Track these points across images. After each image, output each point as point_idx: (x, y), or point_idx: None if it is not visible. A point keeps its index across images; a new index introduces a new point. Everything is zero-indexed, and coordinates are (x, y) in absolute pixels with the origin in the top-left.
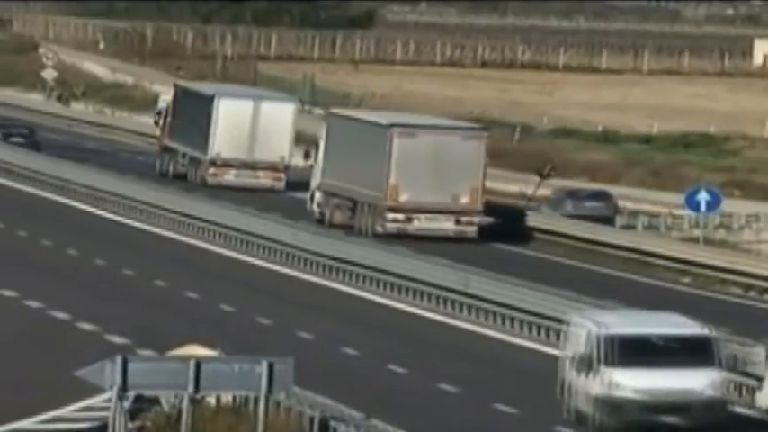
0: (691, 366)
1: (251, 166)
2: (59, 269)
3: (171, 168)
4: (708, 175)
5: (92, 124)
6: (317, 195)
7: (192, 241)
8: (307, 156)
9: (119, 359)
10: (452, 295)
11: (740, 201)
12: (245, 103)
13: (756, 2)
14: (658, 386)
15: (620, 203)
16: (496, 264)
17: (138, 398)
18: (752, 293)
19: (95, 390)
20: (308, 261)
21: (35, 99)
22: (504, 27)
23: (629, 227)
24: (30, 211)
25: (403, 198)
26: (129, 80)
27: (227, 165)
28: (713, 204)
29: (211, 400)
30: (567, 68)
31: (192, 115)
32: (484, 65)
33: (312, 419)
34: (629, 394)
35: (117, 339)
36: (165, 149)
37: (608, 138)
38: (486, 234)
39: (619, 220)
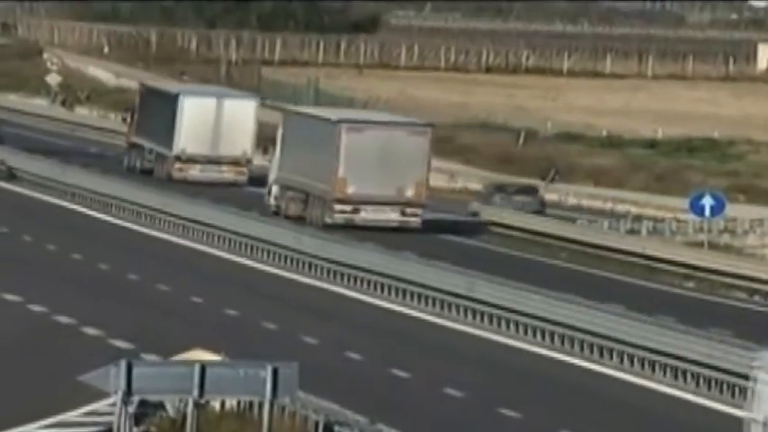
0: None
1: (215, 161)
2: (64, 274)
3: (138, 164)
4: (712, 180)
5: (93, 128)
6: (274, 189)
7: (197, 246)
8: (265, 152)
9: (123, 364)
10: (457, 300)
11: (744, 205)
12: (208, 101)
13: (761, 4)
14: None
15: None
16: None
17: (143, 402)
18: (756, 298)
19: (100, 394)
20: (312, 265)
21: (39, 104)
22: (509, 32)
23: (634, 231)
24: (34, 216)
25: (350, 190)
26: (134, 85)
27: (191, 160)
28: (718, 209)
29: (216, 405)
30: (572, 73)
31: (157, 113)
32: (488, 70)
33: (317, 424)
34: None
35: (121, 344)
36: (132, 146)
37: (612, 142)
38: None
39: (623, 224)
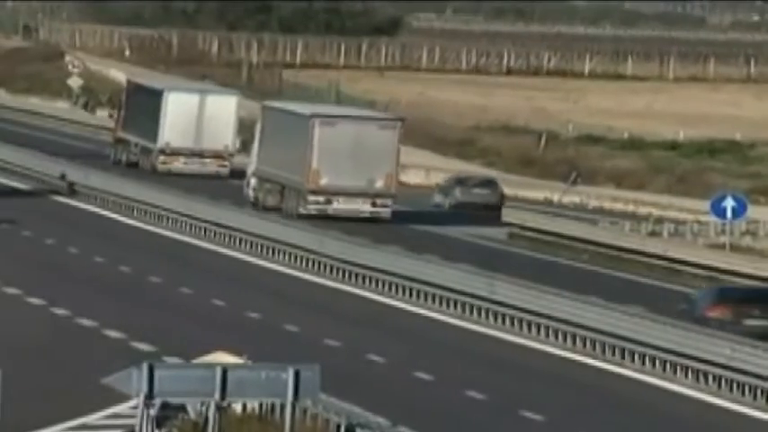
0: None
1: (198, 154)
2: (86, 277)
3: (124, 157)
4: (734, 182)
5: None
6: (253, 181)
7: (219, 248)
8: (244, 146)
9: (145, 367)
10: (478, 302)
11: (766, 207)
12: (191, 97)
13: None
14: None
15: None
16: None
17: (165, 405)
18: None
19: (122, 397)
20: (334, 268)
21: (61, 107)
22: (530, 34)
23: (656, 233)
24: (55, 218)
25: (323, 182)
26: None
27: (175, 153)
28: (739, 211)
29: (238, 408)
30: (593, 75)
31: (143, 108)
32: (509, 72)
33: (338, 426)
34: None
35: (143, 347)
36: (118, 140)
37: (634, 145)
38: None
39: (644, 227)
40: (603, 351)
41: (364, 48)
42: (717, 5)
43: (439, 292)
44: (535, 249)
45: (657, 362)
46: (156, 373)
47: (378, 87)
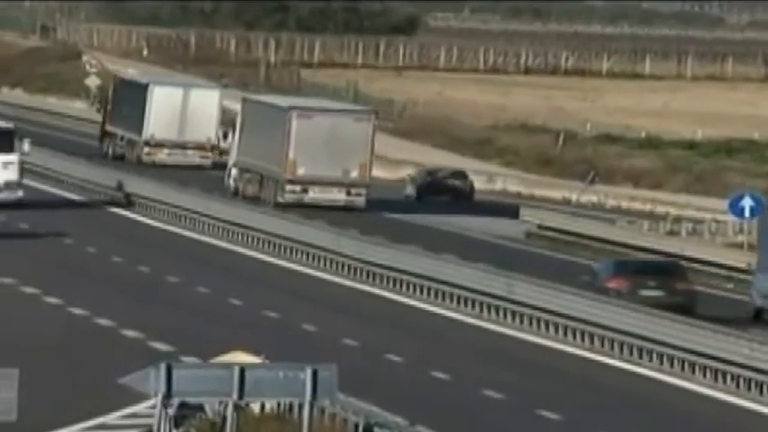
0: None
1: (181, 145)
2: (104, 277)
3: (111, 150)
4: (751, 181)
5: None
6: (234, 171)
7: (235, 248)
8: (225, 137)
9: (163, 366)
10: (496, 301)
11: None
12: (175, 90)
13: None
14: None
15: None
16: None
17: (183, 405)
18: None
19: (140, 397)
20: (351, 267)
21: (79, 107)
22: (548, 33)
23: (673, 233)
24: (73, 218)
25: (300, 172)
26: None
27: (159, 145)
28: (757, 210)
29: (255, 407)
30: (611, 75)
31: (128, 102)
32: (527, 71)
33: (356, 426)
34: None
35: (161, 346)
36: (105, 134)
37: (651, 144)
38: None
39: (662, 226)
40: (621, 350)
41: (382, 47)
42: (734, 5)
43: (457, 291)
44: (554, 249)
45: (675, 361)
46: (174, 373)
47: (395, 87)
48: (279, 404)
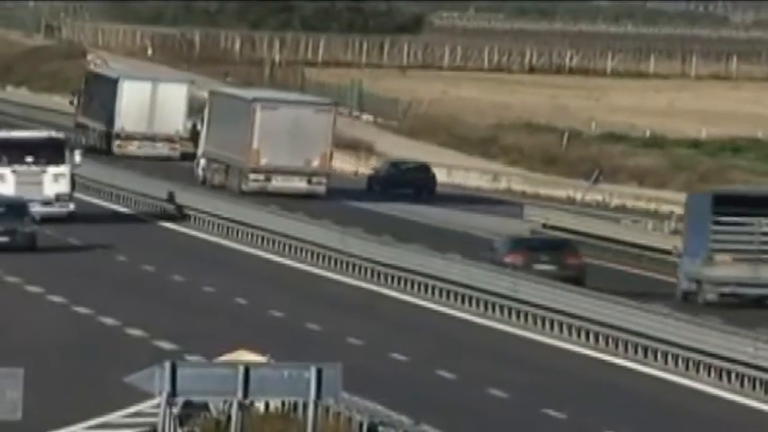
0: None
1: (150, 138)
2: (109, 276)
3: (83, 142)
4: (756, 180)
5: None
6: (202, 162)
7: (241, 247)
8: (194, 128)
9: (168, 365)
10: (502, 300)
11: None
12: (144, 85)
13: None
14: None
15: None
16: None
17: (187, 404)
18: None
19: (144, 396)
20: (356, 266)
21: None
22: (552, 32)
23: (678, 232)
24: (81, 219)
25: (263, 161)
26: None
27: (129, 137)
28: None
29: (260, 406)
30: (615, 74)
31: (100, 96)
32: (531, 70)
33: (361, 425)
34: None
35: (166, 345)
36: (78, 126)
37: (656, 143)
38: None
39: (667, 225)
40: (627, 349)
41: (387, 46)
42: (739, 4)
43: (462, 290)
44: None
45: (680, 360)
46: (179, 372)
47: (400, 86)
48: (283, 403)
